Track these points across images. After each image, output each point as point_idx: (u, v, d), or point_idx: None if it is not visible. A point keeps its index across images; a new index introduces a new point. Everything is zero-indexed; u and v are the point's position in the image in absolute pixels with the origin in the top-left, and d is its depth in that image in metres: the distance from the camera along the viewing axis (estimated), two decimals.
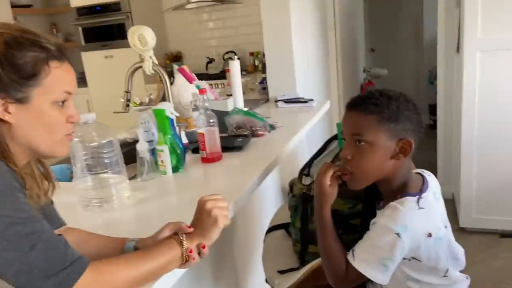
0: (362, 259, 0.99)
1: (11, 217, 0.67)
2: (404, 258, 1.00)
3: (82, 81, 4.61)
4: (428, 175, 1.10)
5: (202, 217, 0.89)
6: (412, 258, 1.01)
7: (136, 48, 1.69)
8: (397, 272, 1.03)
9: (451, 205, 2.93)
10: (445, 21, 3.05)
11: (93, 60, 4.34)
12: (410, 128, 1.00)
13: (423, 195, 1.01)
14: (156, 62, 1.74)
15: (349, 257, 1.02)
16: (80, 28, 4.29)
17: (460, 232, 2.66)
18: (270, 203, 2.17)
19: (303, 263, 1.29)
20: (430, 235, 0.98)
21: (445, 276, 1.05)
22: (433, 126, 4.79)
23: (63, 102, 0.80)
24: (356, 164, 1.02)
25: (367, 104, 1.00)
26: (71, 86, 0.82)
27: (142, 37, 1.65)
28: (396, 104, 0.99)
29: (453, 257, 1.07)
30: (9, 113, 0.75)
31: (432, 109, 4.89)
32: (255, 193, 1.99)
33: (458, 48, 2.74)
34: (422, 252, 1.00)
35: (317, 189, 1.09)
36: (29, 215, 0.69)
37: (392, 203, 1.00)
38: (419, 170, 1.11)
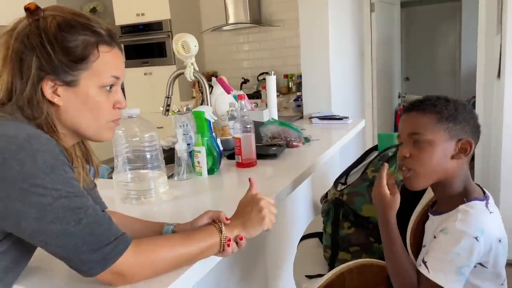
0: (438, 270, 0.93)
1: (59, 191, 0.68)
2: None
3: None
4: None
5: (250, 210, 0.89)
6: (479, 264, 0.96)
7: (179, 55, 1.75)
8: None
9: None
10: (485, 49, 3.01)
11: (133, 76, 4.49)
12: (468, 130, 1.00)
13: (490, 200, 0.98)
14: (197, 69, 1.80)
15: (422, 270, 0.95)
16: (122, 45, 4.47)
17: None
18: (301, 215, 2.16)
19: (332, 269, 1.26)
20: (500, 240, 0.95)
21: (502, 284, 1.00)
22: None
23: (111, 87, 0.81)
24: (416, 161, 1.00)
25: (425, 104, 1.01)
26: (119, 71, 0.82)
27: (186, 44, 1.71)
28: (454, 106, 1.00)
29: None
30: (58, 95, 0.76)
31: None
32: (288, 204, 1.99)
33: (499, 74, 2.69)
34: (492, 258, 0.95)
35: (378, 201, 1.06)
36: (76, 190, 0.71)
37: (461, 207, 0.96)
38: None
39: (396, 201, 1.05)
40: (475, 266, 0.96)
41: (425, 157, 0.99)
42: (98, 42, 0.78)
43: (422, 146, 0.99)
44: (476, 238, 0.91)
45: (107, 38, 0.80)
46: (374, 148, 1.49)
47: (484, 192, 1.02)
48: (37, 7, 0.76)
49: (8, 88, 0.75)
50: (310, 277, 1.28)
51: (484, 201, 0.97)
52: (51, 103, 0.77)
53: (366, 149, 1.59)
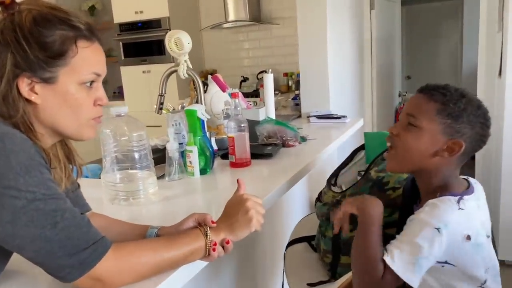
0: (396, 257, 0.91)
1: (34, 193, 0.65)
2: (438, 262, 0.93)
3: (119, 95, 4.74)
4: (475, 183, 1.04)
5: (237, 212, 0.86)
6: (446, 263, 0.93)
7: (172, 52, 1.72)
8: (429, 279, 0.96)
9: None
10: (486, 47, 2.97)
11: (131, 74, 4.46)
12: (467, 134, 0.95)
13: (465, 197, 0.95)
14: (191, 66, 1.76)
15: (385, 256, 0.93)
16: (121, 43, 4.44)
17: (499, 265, 2.50)
18: (297, 215, 2.12)
19: (334, 275, 1.23)
20: (468, 238, 0.91)
21: (481, 287, 0.96)
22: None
23: (91, 83, 0.78)
24: (399, 141, 0.99)
25: (436, 91, 0.97)
26: (100, 67, 0.79)
27: (179, 41, 1.68)
28: (464, 105, 0.95)
29: (495, 272, 0.99)
30: (36, 93, 0.73)
31: None
32: (283, 204, 1.96)
33: (500, 73, 2.65)
34: (458, 256, 0.92)
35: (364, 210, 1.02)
36: (52, 192, 0.68)
37: (430, 201, 0.94)
38: (465, 177, 1.05)
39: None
40: (442, 266, 0.93)
41: (409, 140, 0.98)
42: (76, 37, 0.74)
43: (412, 129, 0.98)
44: (438, 229, 0.89)
45: (86, 33, 0.76)
46: (361, 147, 1.45)
47: (465, 190, 0.98)
48: (12, 1, 0.72)
49: None
50: (312, 285, 1.24)
51: (457, 197, 0.94)
52: (28, 101, 0.73)
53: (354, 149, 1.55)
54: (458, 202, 0.93)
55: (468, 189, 0.99)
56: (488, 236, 0.98)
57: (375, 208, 1.00)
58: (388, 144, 1.03)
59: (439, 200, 0.94)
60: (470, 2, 5.00)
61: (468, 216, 0.93)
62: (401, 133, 0.99)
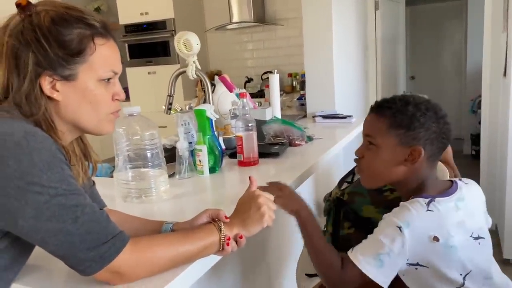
0: (358, 251, 0.96)
1: (56, 189, 0.67)
2: (411, 264, 0.95)
3: (125, 96, 4.77)
4: (465, 183, 1.04)
5: (249, 208, 0.88)
6: (418, 264, 0.95)
7: (181, 53, 1.74)
8: (408, 282, 0.98)
9: (494, 236, 2.78)
10: (491, 47, 2.98)
11: (137, 75, 4.49)
12: (425, 136, 0.97)
13: (438, 199, 0.96)
14: (199, 67, 1.79)
15: (348, 252, 0.98)
16: (126, 45, 4.47)
17: (503, 264, 2.51)
18: None
19: None
20: (436, 239, 0.92)
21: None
22: (475, 156, 4.63)
23: (109, 79, 0.80)
24: (364, 164, 1.04)
25: (383, 107, 1.01)
26: (117, 65, 0.82)
27: (188, 42, 1.70)
28: (412, 111, 0.97)
29: (481, 276, 0.98)
30: (57, 90, 0.75)
31: (474, 139, 4.74)
32: None
33: (505, 73, 2.66)
34: (427, 257, 0.94)
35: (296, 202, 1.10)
36: (73, 188, 0.70)
37: (402, 203, 0.98)
38: (456, 179, 1.06)
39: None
40: (416, 268, 0.95)
41: (371, 160, 1.02)
42: (93, 34, 0.77)
43: (372, 148, 1.01)
44: (399, 228, 0.92)
45: (102, 30, 0.79)
46: None
47: (444, 192, 0.99)
48: (29, 3, 0.74)
49: (4, 85, 0.75)
50: (309, 275, 1.28)
51: (428, 199, 0.96)
52: (50, 98, 0.76)
53: None
54: (428, 204, 0.95)
55: (447, 191, 0.99)
56: (476, 238, 0.98)
57: (301, 209, 1.07)
58: (356, 167, 1.08)
59: (409, 202, 0.96)
60: (474, 2, 5.00)
61: (438, 218, 0.94)
62: (365, 154, 1.04)
